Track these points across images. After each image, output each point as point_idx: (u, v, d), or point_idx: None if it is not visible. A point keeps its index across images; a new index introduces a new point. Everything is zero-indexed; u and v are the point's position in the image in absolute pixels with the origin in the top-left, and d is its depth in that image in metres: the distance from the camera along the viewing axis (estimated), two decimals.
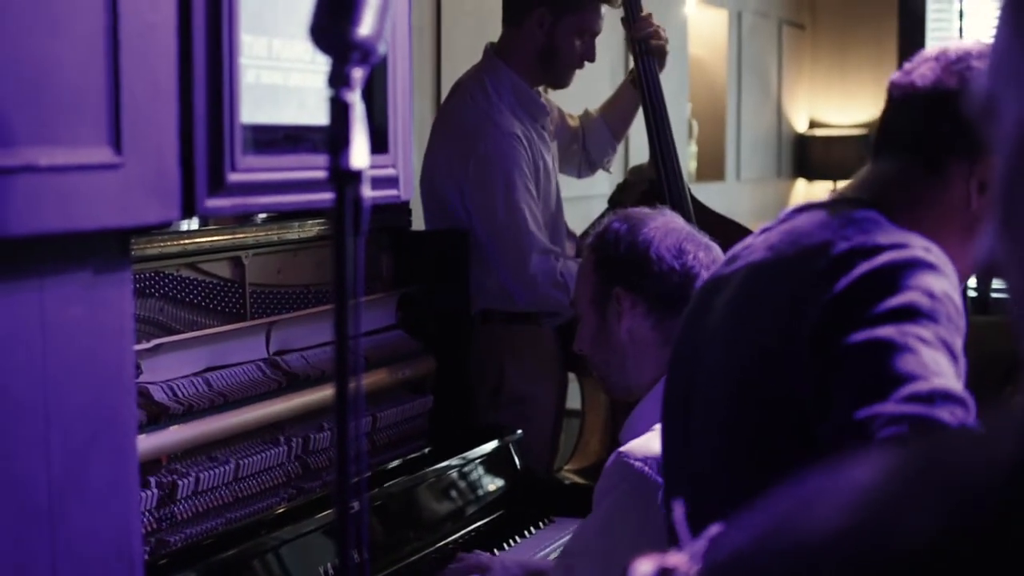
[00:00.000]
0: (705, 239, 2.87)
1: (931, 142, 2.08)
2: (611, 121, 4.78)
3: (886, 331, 1.81)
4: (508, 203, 4.19)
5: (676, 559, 1.31)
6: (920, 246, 1.92)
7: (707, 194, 5.33)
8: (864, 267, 1.88)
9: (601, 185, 5.00)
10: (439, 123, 4.46)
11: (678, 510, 1.67)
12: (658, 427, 2.60)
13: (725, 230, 4.39)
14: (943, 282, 1.88)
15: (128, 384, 1.73)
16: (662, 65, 4.63)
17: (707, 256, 2.82)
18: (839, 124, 9.70)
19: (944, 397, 1.76)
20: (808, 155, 9.68)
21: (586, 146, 4.76)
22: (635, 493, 2.61)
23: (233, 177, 1.74)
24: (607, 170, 4.91)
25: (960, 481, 0.59)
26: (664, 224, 2.85)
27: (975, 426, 1.75)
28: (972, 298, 8.80)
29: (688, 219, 4.51)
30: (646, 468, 2.60)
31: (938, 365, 1.79)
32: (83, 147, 1.56)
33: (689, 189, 4.69)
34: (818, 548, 0.60)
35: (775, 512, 0.64)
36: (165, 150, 1.66)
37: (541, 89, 4.50)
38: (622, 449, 2.68)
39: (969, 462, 0.60)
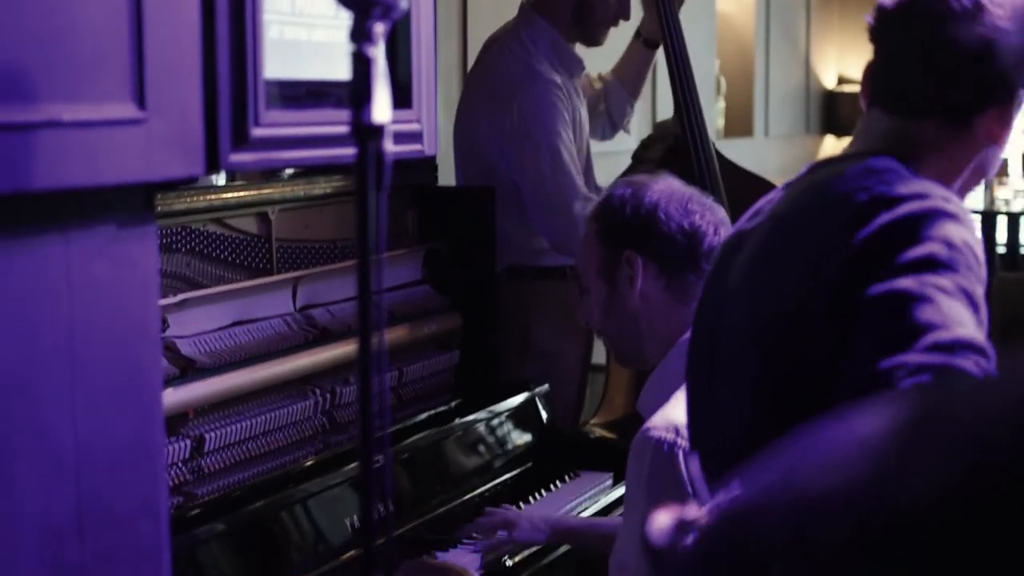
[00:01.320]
0: (709, 200, 2.86)
1: (958, 98, 2.06)
2: (626, 81, 4.77)
3: (905, 282, 1.81)
4: (551, 150, 4.18)
5: (694, 512, 1.31)
6: (940, 195, 1.91)
7: (735, 150, 5.32)
8: (884, 218, 1.88)
9: (627, 141, 4.99)
10: (475, 78, 4.46)
11: (695, 465, 1.68)
12: (678, 394, 2.60)
13: (752, 186, 4.39)
14: (963, 231, 1.87)
15: (153, 338, 1.74)
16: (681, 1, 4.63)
17: (713, 216, 2.81)
18: None
19: (966, 347, 1.76)
20: (837, 111, 9.63)
21: (609, 107, 4.75)
22: (670, 466, 2.60)
23: (257, 132, 1.75)
24: (627, 130, 4.90)
25: (967, 432, 0.59)
26: (668, 186, 2.84)
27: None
28: (1002, 254, 8.77)
29: (713, 174, 4.52)
30: (679, 439, 2.59)
31: (959, 314, 1.79)
32: (107, 102, 1.57)
33: (714, 144, 4.68)
34: (825, 499, 0.60)
35: (784, 464, 0.64)
36: (189, 105, 1.67)
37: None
38: (647, 425, 2.67)
39: (977, 412, 0.60)
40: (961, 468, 0.58)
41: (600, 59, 4.78)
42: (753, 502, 0.65)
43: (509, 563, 3.17)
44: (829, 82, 9.74)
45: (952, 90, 2.06)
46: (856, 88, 9.71)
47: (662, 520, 1.49)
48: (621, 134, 4.93)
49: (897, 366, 1.75)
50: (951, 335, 1.77)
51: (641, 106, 4.90)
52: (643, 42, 4.72)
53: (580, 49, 4.48)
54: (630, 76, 4.77)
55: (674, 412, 2.60)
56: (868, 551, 0.57)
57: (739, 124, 8.44)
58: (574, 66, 4.41)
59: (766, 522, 0.63)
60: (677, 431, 2.58)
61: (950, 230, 1.86)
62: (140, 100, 1.60)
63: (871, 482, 0.59)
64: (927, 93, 2.07)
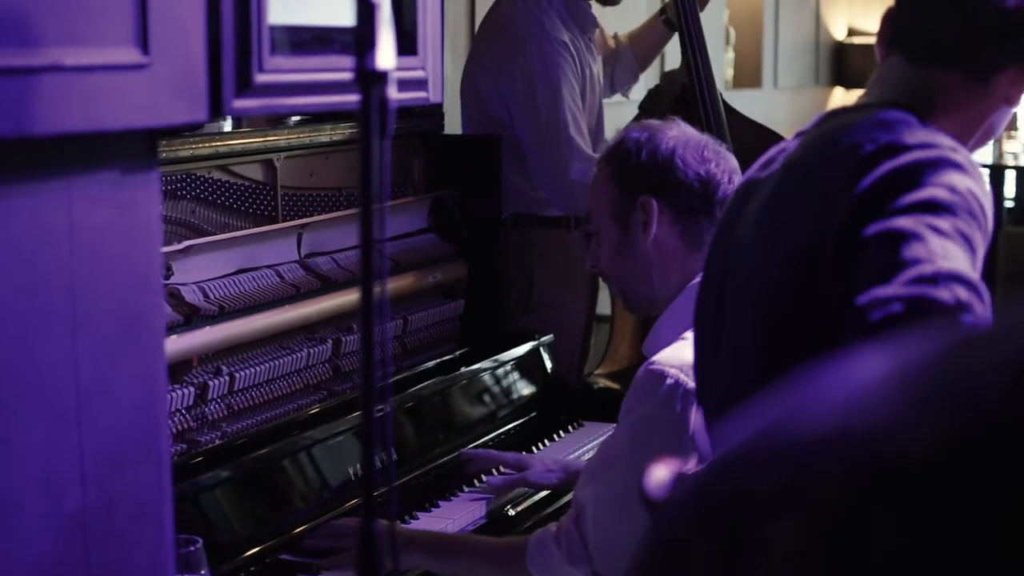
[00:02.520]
0: (722, 147, 2.85)
1: (982, 51, 2.05)
2: (639, 51, 4.78)
3: (902, 222, 1.80)
4: (552, 110, 4.18)
5: (693, 466, 1.31)
6: (947, 146, 1.90)
7: (744, 101, 5.30)
8: (887, 165, 1.87)
9: (634, 91, 4.97)
10: (486, 28, 4.44)
11: (697, 417, 1.67)
12: (687, 335, 2.60)
13: (759, 137, 4.37)
14: (968, 180, 1.86)
15: (155, 285, 1.74)
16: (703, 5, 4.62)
17: (727, 164, 2.80)
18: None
19: (948, 278, 1.74)
20: (846, 63, 9.59)
21: (613, 71, 4.74)
22: (667, 403, 2.60)
23: (261, 78, 1.73)
24: (625, 96, 4.91)
25: (966, 384, 0.58)
26: (682, 132, 2.83)
27: (984, 311, 1.73)
28: (1010, 208, 8.75)
29: (721, 124, 4.51)
30: (681, 376, 2.59)
31: (947, 251, 1.77)
32: (110, 47, 1.55)
33: (722, 94, 4.67)
34: (811, 448, 0.59)
35: (772, 412, 0.63)
36: (193, 51, 1.66)
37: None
38: (653, 359, 2.67)
39: (976, 363, 0.59)
40: (960, 420, 0.57)
41: (615, 18, 4.76)
42: (745, 452, 0.64)
43: (512, 512, 3.18)
44: (839, 34, 9.69)
45: (978, 42, 2.05)
46: (866, 40, 9.69)
47: (661, 473, 1.48)
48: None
49: (872, 300, 1.74)
50: (934, 267, 1.75)
51: None
52: (664, 21, 4.73)
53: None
54: (643, 49, 4.78)
55: (682, 352, 2.61)
56: (861, 502, 0.56)
57: (748, 75, 8.41)
58: (586, 23, 4.38)
59: (758, 472, 0.62)
60: (681, 369, 2.58)
61: (954, 178, 1.85)
62: (143, 45, 1.58)
63: (868, 431, 0.58)
64: (952, 41, 2.06)
